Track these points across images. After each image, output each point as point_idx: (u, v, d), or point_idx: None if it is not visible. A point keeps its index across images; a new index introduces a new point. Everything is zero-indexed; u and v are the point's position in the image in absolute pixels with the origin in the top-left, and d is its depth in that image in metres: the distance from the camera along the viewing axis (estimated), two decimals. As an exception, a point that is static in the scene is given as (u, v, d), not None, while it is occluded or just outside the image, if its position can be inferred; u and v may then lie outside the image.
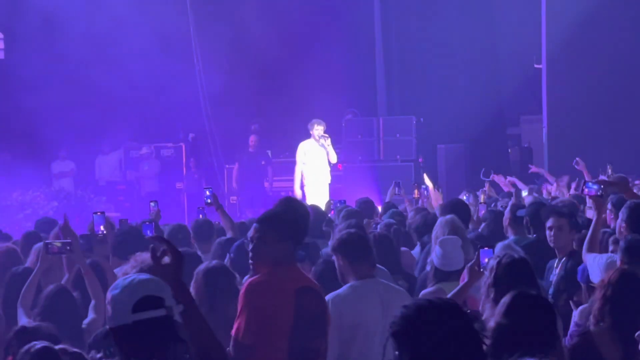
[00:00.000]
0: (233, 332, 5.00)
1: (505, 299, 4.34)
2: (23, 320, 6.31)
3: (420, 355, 3.19)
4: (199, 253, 8.89)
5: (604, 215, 7.41)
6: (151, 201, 11.03)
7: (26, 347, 4.39)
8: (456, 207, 8.76)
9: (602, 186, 7.12)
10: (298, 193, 15.94)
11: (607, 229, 7.58)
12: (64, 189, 18.70)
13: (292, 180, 16.67)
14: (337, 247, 6.12)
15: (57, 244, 6.76)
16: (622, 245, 6.11)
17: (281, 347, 4.99)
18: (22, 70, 19.01)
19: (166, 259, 3.91)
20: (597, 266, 6.44)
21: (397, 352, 3.23)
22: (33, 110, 18.82)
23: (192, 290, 5.73)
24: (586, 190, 7.22)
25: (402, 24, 21.32)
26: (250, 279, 5.18)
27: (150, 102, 19.57)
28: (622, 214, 6.84)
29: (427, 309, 3.25)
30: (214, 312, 5.37)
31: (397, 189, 13.08)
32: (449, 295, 5.63)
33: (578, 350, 5.03)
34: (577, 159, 13.71)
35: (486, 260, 5.59)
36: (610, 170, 13.20)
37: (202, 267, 6.04)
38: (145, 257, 5.52)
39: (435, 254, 6.67)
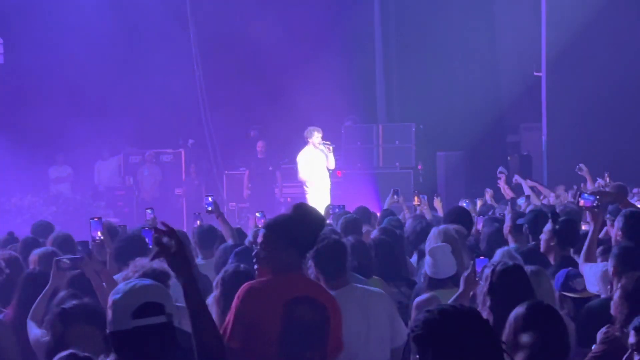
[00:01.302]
0: (221, 330, 4.96)
1: (518, 311, 4.32)
2: (34, 331, 6.26)
3: None
4: (201, 259, 8.91)
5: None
6: (147, 208, 11.00)
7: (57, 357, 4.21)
8: (458, 215, 8.78)
9: (597, 197, 7.13)
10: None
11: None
12: (62, 193, 18.72)
13: (302, 187, 16.76)
14: (312, 256, 6.07)
15: (68, 260, 6.72)
16: (614, 252, 6.12)
17: (268, 356, 4.97)
18: (22, 75, 19.05)
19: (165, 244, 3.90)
20: (593, 275, 6.45)
21: (417, 357, 3.24)
22: (32, 115, 18.85)
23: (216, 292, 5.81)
24: (582, 201, 7.23)
25: (402, 31, 21.34)
26: (247, 283, 5.16)
27: (150, 108, 19.58)
28: (618, 222, 6.85)
29: (450, 314, 3.26)
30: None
31: (395, 196, 13.09)
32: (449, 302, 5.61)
33: (608, 356, 5.02)
34: (581, 165, 13.66)
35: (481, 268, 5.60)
36: (607, 179, 13.16)
37: (230, 269, 6.05)
38: (145, 262, 5.53)
39: (426, 263, 6.70)
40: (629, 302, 5.10)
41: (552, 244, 7.62)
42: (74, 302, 5.16)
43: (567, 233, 7.62)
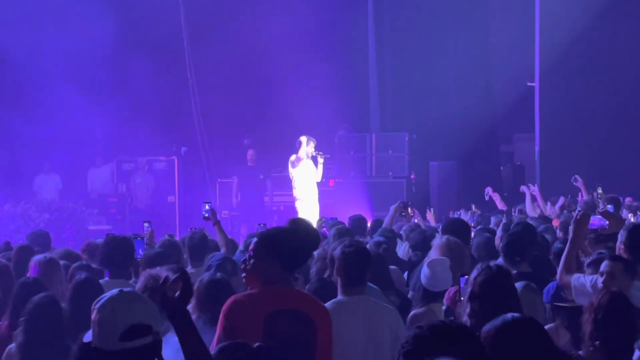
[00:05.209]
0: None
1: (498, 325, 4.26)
2: None
3: None
4: (190, 268, 8.89)
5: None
6: (145, 222, 10.92)
7: None
8: (457, 227, 8.74)
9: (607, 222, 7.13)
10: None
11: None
12: (55, 201, 18.66)
13: (292, 195, 16.76)
14: (338, 258, 6.11)
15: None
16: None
17: None
18: (16, 80, 19.01)
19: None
20: (585, 285, 6.38)
21: None
22: (26, 122, 18.80)
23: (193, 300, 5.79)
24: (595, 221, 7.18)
25: (396, 41, 21.37)
26: (232, 297, 5.10)
27: (143, 115, 19.55)
28: (621, 236, 6.73)
29: (440, 330, 3.25)
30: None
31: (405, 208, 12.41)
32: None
33: None
34: (576, 176, 13.76)
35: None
36: (600, 190, 13.22)
37: (205, 278, 6.09)
38: (154, 273, 5.52)
39: (423, 275, 6.68)
40: (597, 319, 5.08)
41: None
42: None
43: (511, 247, 7.39)
